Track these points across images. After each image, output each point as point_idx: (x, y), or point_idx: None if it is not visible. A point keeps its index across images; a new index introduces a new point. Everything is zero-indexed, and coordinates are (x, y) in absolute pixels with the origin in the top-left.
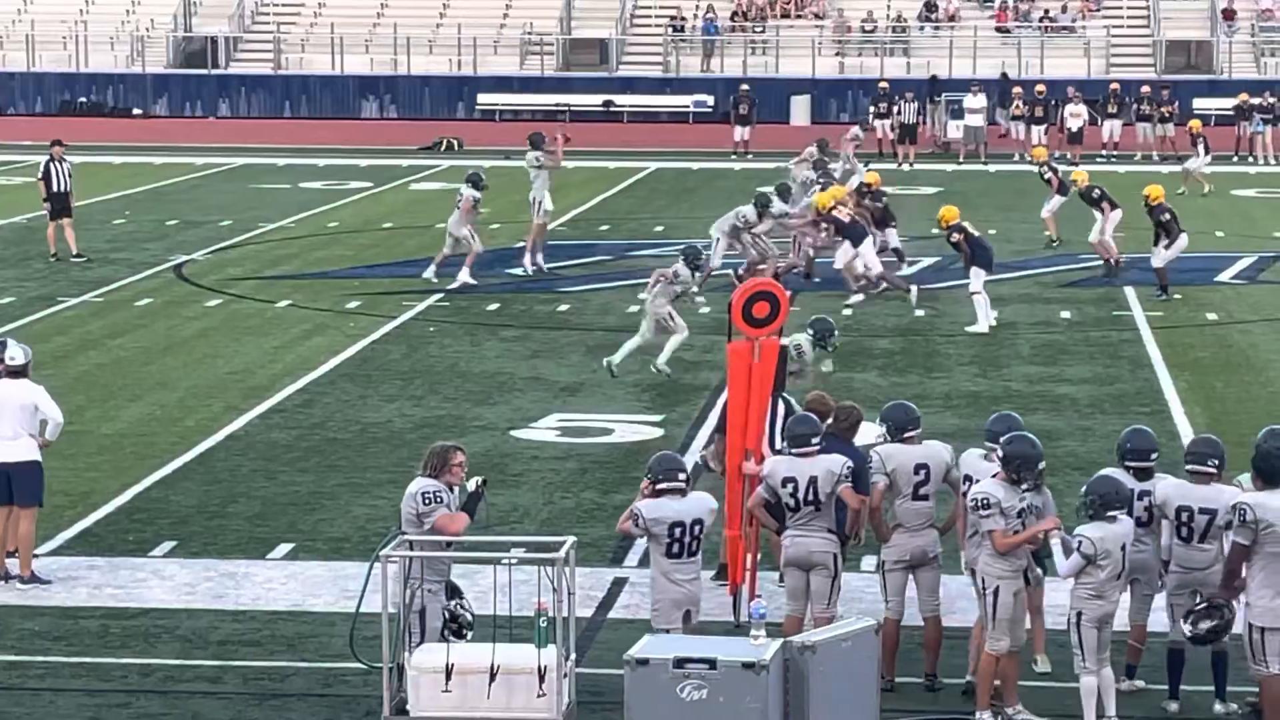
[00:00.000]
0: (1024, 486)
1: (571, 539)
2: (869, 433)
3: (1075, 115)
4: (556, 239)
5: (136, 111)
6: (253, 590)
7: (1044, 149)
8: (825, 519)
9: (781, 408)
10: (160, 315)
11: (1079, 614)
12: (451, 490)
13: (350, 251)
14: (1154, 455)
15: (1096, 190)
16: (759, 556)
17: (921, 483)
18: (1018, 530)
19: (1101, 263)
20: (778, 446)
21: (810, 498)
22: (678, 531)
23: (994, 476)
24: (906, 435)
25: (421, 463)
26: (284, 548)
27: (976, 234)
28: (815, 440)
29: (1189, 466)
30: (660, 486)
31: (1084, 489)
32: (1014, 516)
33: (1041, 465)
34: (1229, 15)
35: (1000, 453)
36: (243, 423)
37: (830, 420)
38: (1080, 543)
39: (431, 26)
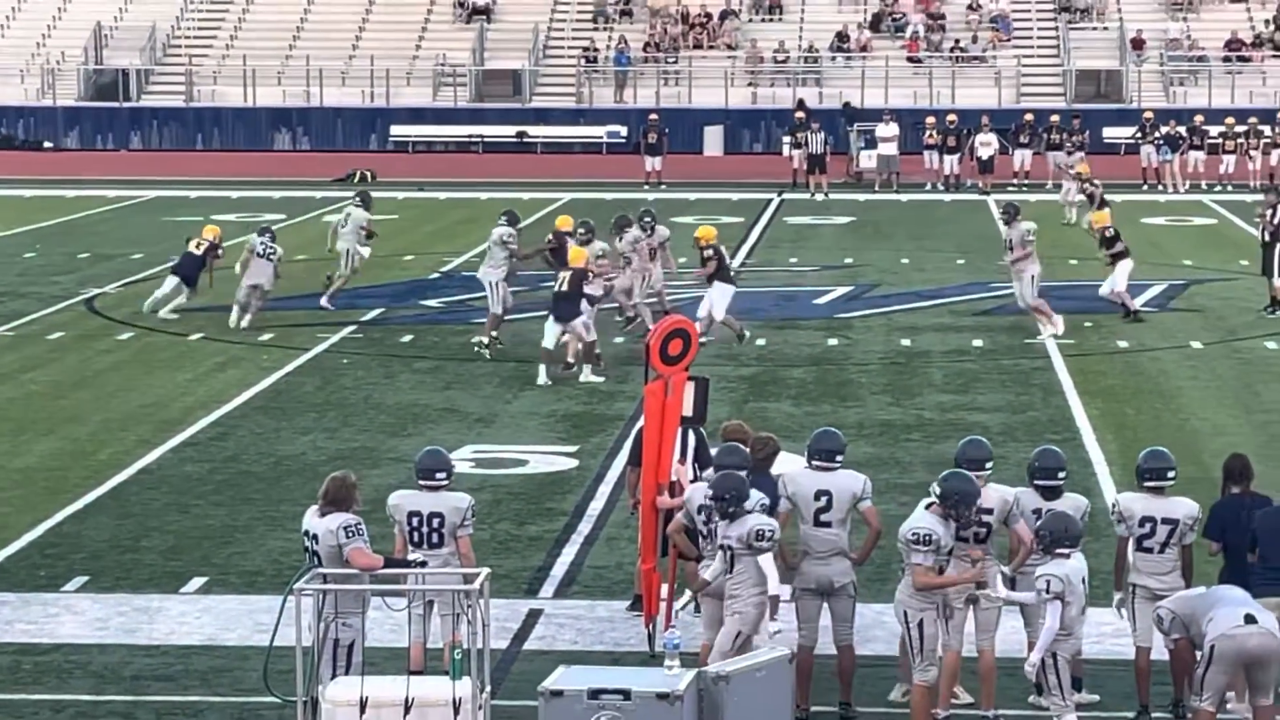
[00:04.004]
0: (957, 524)
1: (485, 570)
2: (790, 463)
3: (986, 144)
4: (471, 269)
5: (47, 144)
6: (166, 625)
7: (1086, 166)
8: None
9: (692, 439)
10: (72, 349)
11: (1054, 655)
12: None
13: None
14: (1062, 474)
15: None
16: (675, 586)
17: (823, 509)
18: (943, 566)
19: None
20: (707, 475)
21: None
22: (435, 521)
23: (928, 508)
24: (817, 463)
25: (320, 495)
26: (197, 581)
27: (729, 261)
28: (740, 474)
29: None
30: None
31: (1036, 527)
32: (944, 554)
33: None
34: (1138, 45)
35: (937, 488)
36: (155, 456)
37: (748, 451)
38: (1048, 582)
39: (344, 58)
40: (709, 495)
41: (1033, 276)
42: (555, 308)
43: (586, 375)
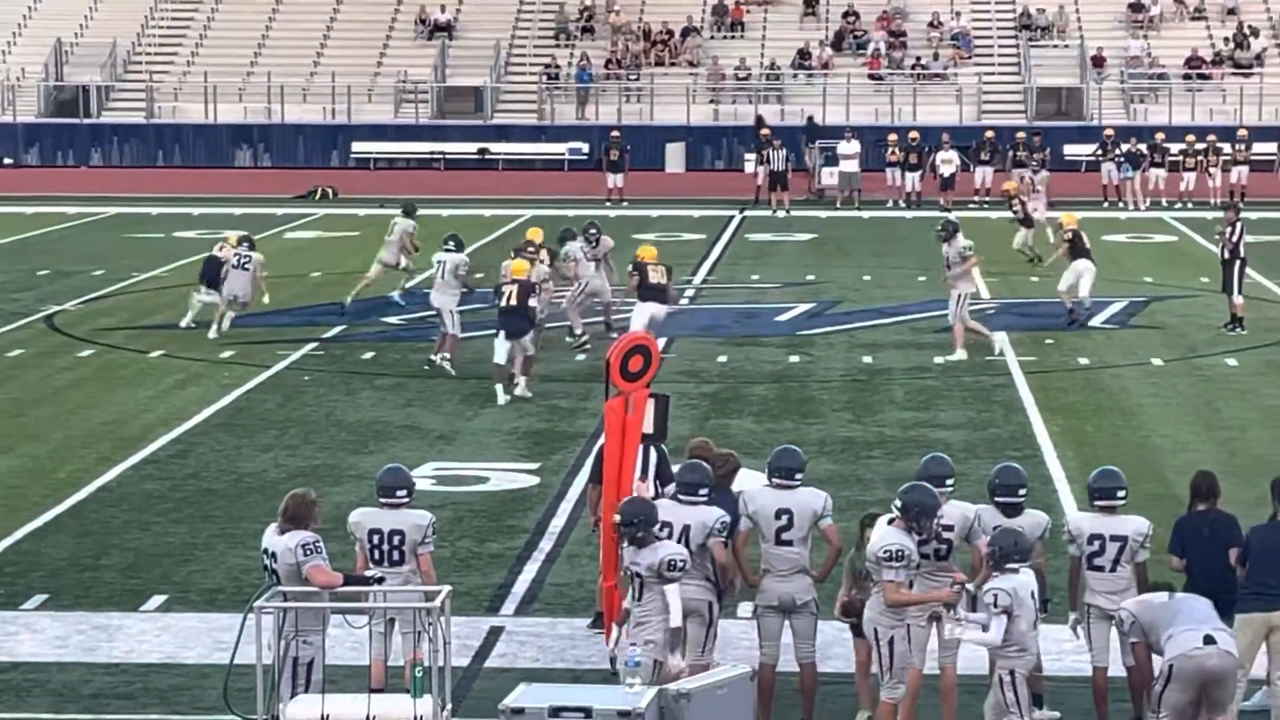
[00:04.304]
0: (920, 537)
1: (447, 588)
2: (751, 480)
3: (947, 162)
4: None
5: (7, 161)
6: (126, 643)
7: (1014, 183)
8: (699, 567)
9: (653, 455)
10: (31, 366)
11: (1011, 672)
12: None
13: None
14: (1022, 491)
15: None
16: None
17: (784, 528)
18: (912, 581)
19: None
20: (669, 491)
21: (682, 545)
22: (396, 539)
23: (890, 523)
24: (777, 481)
25: (280, 513)
26: (157, 599)
27: (654, 279)
28: (703, 491)
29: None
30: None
31: (987, 542)
32: (913, 568)
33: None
34: (1098, 62)
35: (898, 501)
36: (116, 474)
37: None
38: (995, 596)
39: (305, 75)
40: (617, 520)
41: (961, 296)
42: (503, 323)
43: (521, 389)
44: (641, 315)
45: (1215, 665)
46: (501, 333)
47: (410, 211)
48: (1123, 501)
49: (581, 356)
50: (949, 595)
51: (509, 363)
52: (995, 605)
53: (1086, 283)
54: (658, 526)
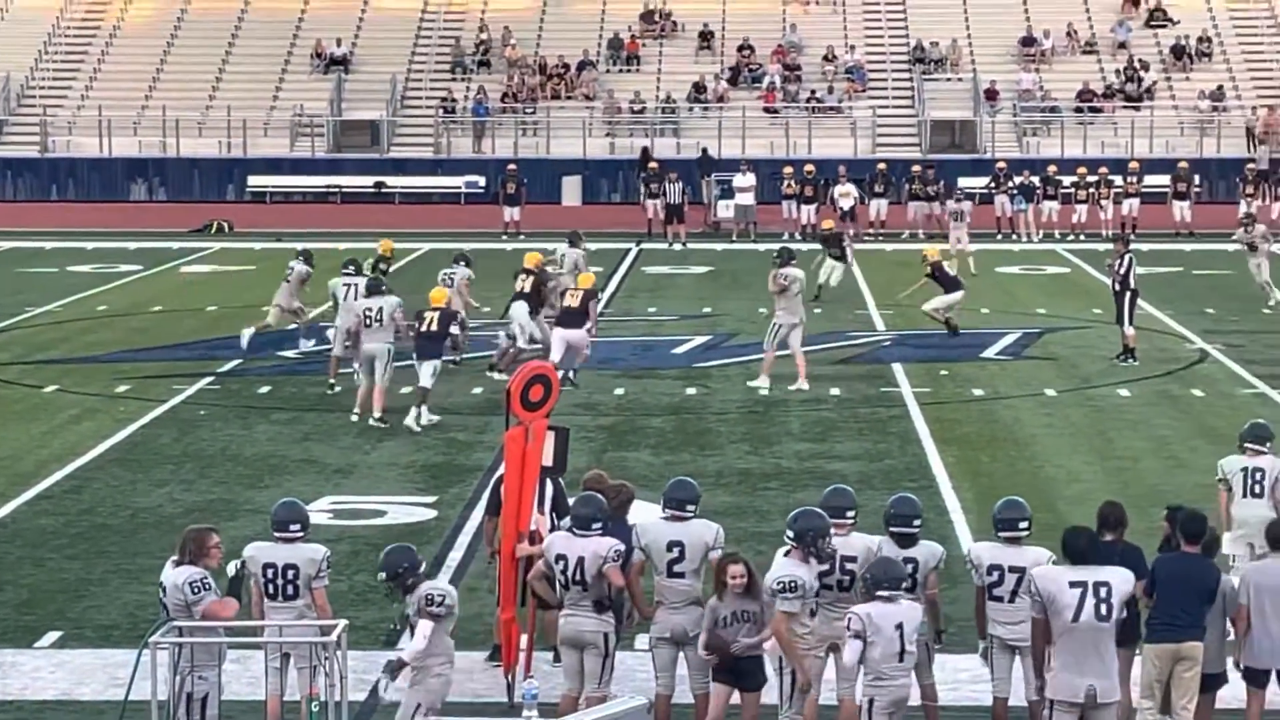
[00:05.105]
0: (819, 562)
1: (343, 622)
2: (647, 512)
3: (845, 195)
4: (326, 321)
5: None
6: (20, 680)
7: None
8: (595, 599)
9: (550, 488)
10: None
11: (870, 700)
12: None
13: (120, 335)
14: (917, 522)
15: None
16: (535, 635)
17: (675, 560)
18: (813, 610)
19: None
20: (564, 524)
21: (578, 577)
22: (290, 573)
23: (786, 554)
24: (670, 512)
25: (177, 548)
26: (52, 635)
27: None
28: (596, 525)
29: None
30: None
31: (862, 571)
32: (811, 596)
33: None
34: (991, 95)
35: (790, 532)
36: (9, 509)
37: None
38: (850, 620)
39: (201, 108)
40: (381, 574)
41: (778, 325)
42: (418, 346)
43: (426, 417)
44: (559, 341)
45: (1098, 694)
46: (416, 355)
47: (309, 258)
48: (1025, 533)
49: (478, 389)
50: (805, 682)
51: (417, 386)
52: (849, 628)
53: (948, 300)
54: (555, 559)
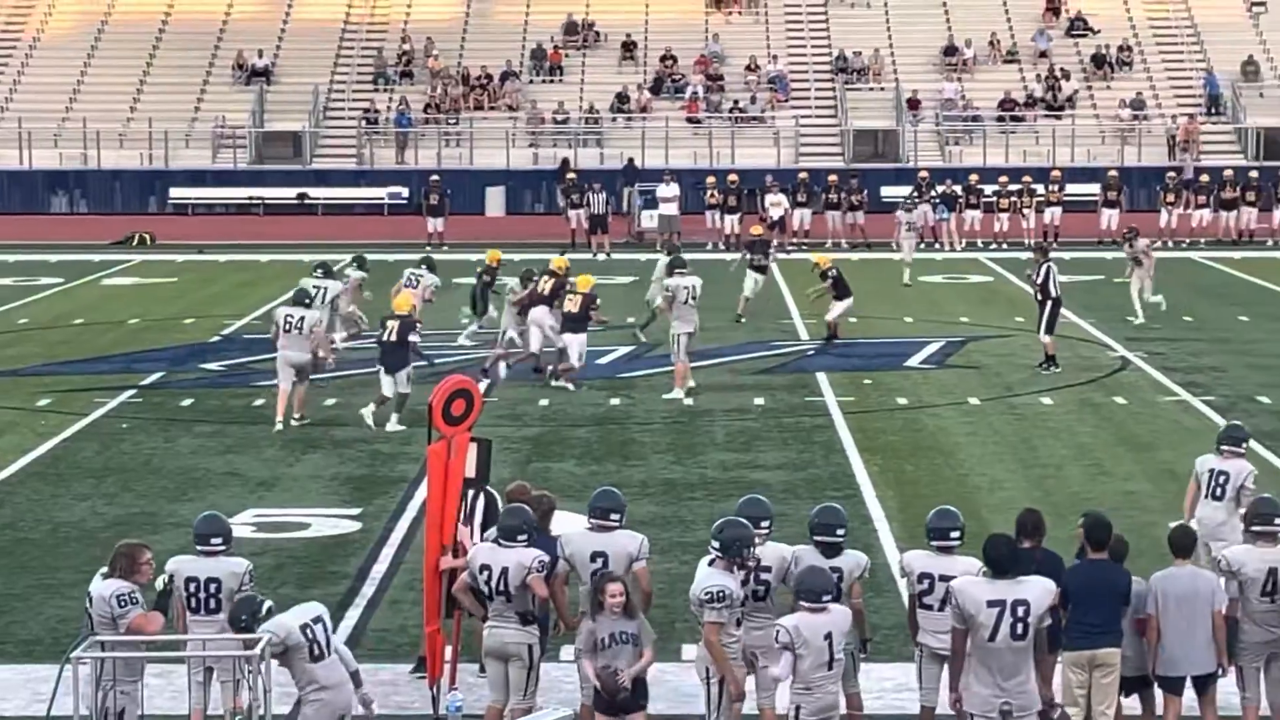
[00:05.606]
0: (741, 571)
1: (267, 635)
2: (571, 522)
3: (776, 204)
4: (251, 332)
5: None
6: None
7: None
8: (520, 610)
9: (482, 500)
10: None
11: (797, 708)
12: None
13: (41, 348)
14: (841, 531)
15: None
16: (460, 647)
17: (599, 570)
18: (739, 619)
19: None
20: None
21: (501, 588)
22: (213, 587)
23: (711, 564)
24: (595, 522)
25: (109, 563)
26: None
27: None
28: (522, 536)
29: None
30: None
31: (792, 582)
32: (738, 606)
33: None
34: (913, 105)
35: (715, 542)
36: None
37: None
38: (778, 632)
39: (122, 120)
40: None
41: (678, 335)
42: (383, 358)
43: (394, 424)
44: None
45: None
46: (381, 368)
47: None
48: (957, 542)
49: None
50: (738, 692)
51: (392, 396)
52: (777, 641)
53: (844, 306)
54: (480, 569)
